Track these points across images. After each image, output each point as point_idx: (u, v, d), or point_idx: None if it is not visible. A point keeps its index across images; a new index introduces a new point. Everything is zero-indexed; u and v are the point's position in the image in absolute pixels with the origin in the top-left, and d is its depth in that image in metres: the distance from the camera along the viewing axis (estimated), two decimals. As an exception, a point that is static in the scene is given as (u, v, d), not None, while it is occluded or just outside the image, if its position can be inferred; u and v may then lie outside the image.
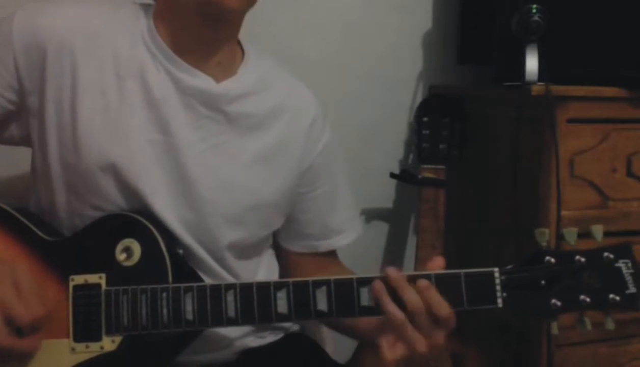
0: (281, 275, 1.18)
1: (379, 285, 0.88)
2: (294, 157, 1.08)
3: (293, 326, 1.19)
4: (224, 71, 1.02)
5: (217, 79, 1.01)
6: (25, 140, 1.02)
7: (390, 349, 0.89)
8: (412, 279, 0.88)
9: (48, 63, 0.96)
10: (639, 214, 1.40)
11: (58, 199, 0.99)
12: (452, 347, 1.47)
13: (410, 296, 0.86)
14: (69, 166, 0.97)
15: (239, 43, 1.07)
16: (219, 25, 0.98)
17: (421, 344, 0.87)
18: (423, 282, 0.87)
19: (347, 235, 1.19)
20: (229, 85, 1.02)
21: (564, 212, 1.30)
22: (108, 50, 0.97)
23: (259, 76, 1.06)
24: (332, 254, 1.20)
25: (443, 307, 0.87)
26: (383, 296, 0.88)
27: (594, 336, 1.39)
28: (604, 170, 1.38)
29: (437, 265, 0.90)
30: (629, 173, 1.39)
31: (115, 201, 0.97)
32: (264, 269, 1.14)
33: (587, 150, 1.36)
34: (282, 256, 1.19)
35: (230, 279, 1.04)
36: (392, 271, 0.88)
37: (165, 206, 0.98)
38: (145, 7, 1.03)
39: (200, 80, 0.99)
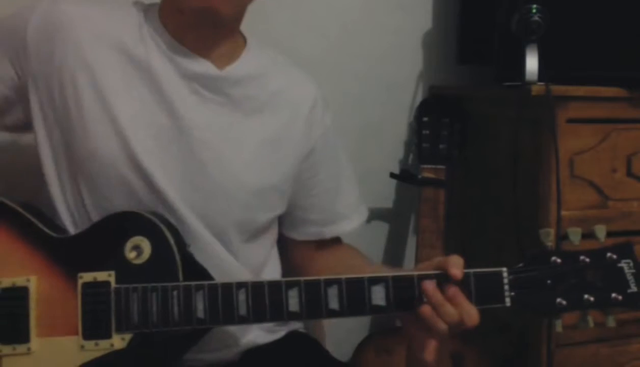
0: (287, 270, 1.19)
1: (431, 285, 0.88)
2: (296, 141, 1.10)
3: (295, 324, 1.19)
4: (227, 59, 1.05)
5: (220, 67, 1.04)
6: (28, 127, 1.04)
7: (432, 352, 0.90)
8: (429, 277, 0.89)
9: (56, 51, 0.98)
10: (639, 214, 1.40)
11: (66, 190, 1.01)
12: (452, 346, 1.47)
13: (448, 310, 0.87)
14: (76, 153, 0.99)
15: (241, 33, 1.10)
16: (219, 25, 1.01)
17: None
18: (451, 291, 0.88)
19: (353, 220, 1.21)
20: (232, 70, 1.05)
21: (564, 212, 1.30)
22: (113, 44, 1.00)
23: (261, 63, 1.09)
24: (337, 240, 1.21)
25: (475, 317, 0.88)
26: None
27: (594, 336, 1.39)
28: (604, 170, 1.38)
29: (458, 265, 0.90)
30: (629, 173, 1.39)
31: (124, 186, 0.99)
32: (270, 264, 1.14)
33: (587, 150, 1.36)
34: (287, 248, 1.20)
35: (235, 264, 1.06)
36: (428, 284, 0.89)
37: (174, 187, 1.00)
38: (150, 5, 1.06)
39: (202, 65, 1.02)
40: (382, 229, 1.74)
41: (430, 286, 0.88)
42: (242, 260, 1.08)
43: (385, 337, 1.51)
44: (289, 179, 1.10)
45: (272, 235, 1.17)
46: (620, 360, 1.43)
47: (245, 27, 1.08)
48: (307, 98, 1.13)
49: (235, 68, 1.05)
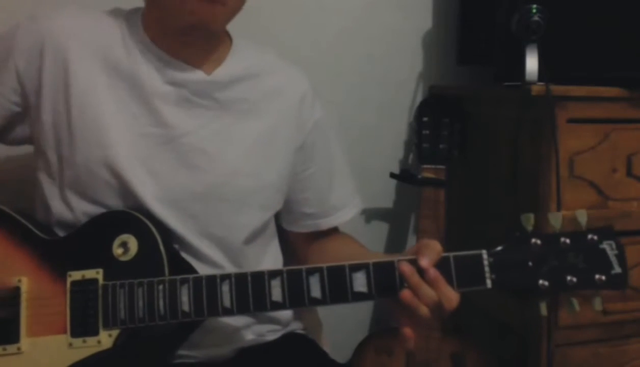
0: (287, 261, 1.20)
1: (408, 267, 0.88)
2: (288, 136, 1.10)
3: (293, 324, 1.19)
4: (214, 63, 1.05)
5: (207, 72, 1.04)
6: (30, 140, 1.05)
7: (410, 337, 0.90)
8: (410, 263, 0.89)
9: (45, 64, 0.99)
10: (639, 214, 1.40)
11: (56, 195, 1.01)
12: (452, 347, 1.47)
13: (426, 291, 0.87)
14: (65, 162, 0.99)
15: (227, 33, 1.10)
16: (206, 35, 1.01)
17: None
18: (431, 273, 0.87)
19: (348, 211, 1.21)
20: (219, 74, 1.04)
21: (563, 212, 1.29)
22: (100, 52, 1.00)
23: (248, 63, 1.08)
24: (335, 230, 1.22)
25: (454, 300, 0.88)
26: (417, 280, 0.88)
27: (594, 335, 1.39)
28: (604, 170, 1.38)
29: (431, 254, 0.89)
30: (629, 173, 1.39)
31: (109, 196, 0.99)
32: (269, 259, 1.15)
33: (587, 150, 1.36)
34: (286, 239, 1.21)
35: (234, 269, 1.06)
36: (405, 266, 0.88)
37: (157, 198, 1.00)
38: (133, 11, 1.06)
39: (190, 73, 1.02)
40: (382, 229, 1.74)
41: (407, 267, 0.88)
42: (243, 263, 1.08)
43: (384, 337, 1.51)
44: (284, 175, 1.11)
45: (270, 229, 1.18)
46: (620, 360, 1.43)
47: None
48: (296, 92, 1.12)
49: (223, 71, 1.05)
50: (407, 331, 0.89)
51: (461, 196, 1.62)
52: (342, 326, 1.52)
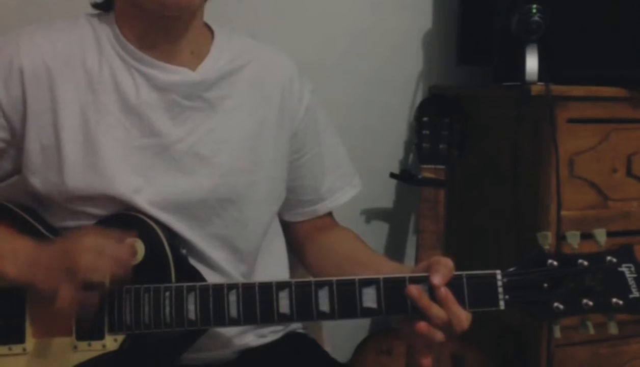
0: (291, 259, 1.19)
1: (416, 290, 0.87)
2: (278, 124, 1.09)
3: (293, 324, 1.19)
4: (197, 57, 1.03)
5: (192, 67, 1.02)
6: (14, 172, 1.02)
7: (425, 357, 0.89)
8: (421, 280, 0.88)
9: (28, 91, 0.96)
10: (638, 214, 1.40)
11: (52, 213, 0.99)
12: (452, 347, 1.47)
13: (436, 312, 0.86)
14: (58, 186, 0.97)
15: (206, 25, 1.08)
16: (180, 17, 0.98)
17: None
18: (442, 292, 0.86)
19: (345, 192, 1.19)
20: (206, 70, 1.02)
21: (564, 213, 1.30)
22: (79, 67, 0.98)
23: (232, 54, 1.06)
24: (330, 215, 1.21)
25: (465, 321, 0.86)
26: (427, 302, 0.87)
27: (594, 336, 1.39)
28: (604, 170, 1.38)
29: (444, 271, 0.88)
30: (629, 173, 1.39)
31: (109, 211, 0.97)
32: (275, 258, 1.15)
33: (587, 150, 1.36)
34: (285, 230, 1.20)
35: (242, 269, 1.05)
36: (413, 288, 0.87)
37: (159, 206, 0.98)
38: (104, 15, 1.03)
39: (176, 73, 1.00)
40: (382, 229, 1.74)
41: (414, 290, 0.86)
42: (250, 263, 1.08)
43: (385, 337, 1.51)
44: (282, 164, 1.10)
45: (275, 227, 1.17)
46: (620, 360, 1.44)
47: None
48: (279, 79, 1.10)
49: (209, 66, 1.03)
50: (426, 363, 0.88)
51: (461, 196, 1.62)
52: (342, 326, 1.52)
